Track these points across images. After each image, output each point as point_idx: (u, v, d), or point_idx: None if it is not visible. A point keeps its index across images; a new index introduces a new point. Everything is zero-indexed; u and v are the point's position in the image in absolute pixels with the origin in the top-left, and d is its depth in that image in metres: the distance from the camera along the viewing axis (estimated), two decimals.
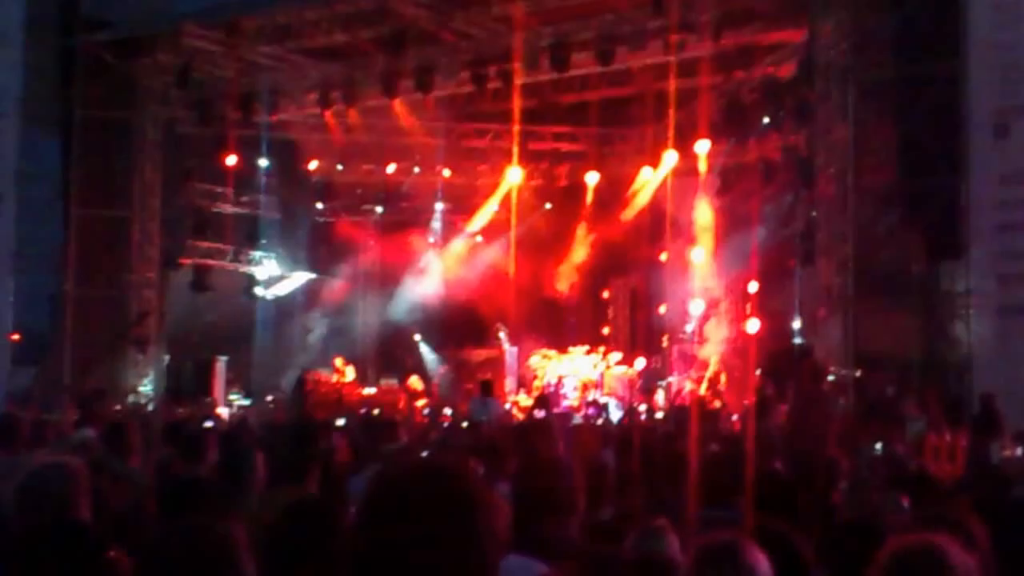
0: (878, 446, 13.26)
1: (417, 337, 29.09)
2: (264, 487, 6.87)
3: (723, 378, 24.06)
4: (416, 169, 29.05)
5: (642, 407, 22.98)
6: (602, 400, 24.25)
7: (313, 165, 28.99)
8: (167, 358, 26.02)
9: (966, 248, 18.65)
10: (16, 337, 23.48)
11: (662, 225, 26.32)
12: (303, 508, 4.88)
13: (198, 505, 5.83)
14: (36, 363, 24.26)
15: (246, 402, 25.83)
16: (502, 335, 27.40)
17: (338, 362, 26.32)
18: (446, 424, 19.08)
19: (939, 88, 18.89)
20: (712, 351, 24.84)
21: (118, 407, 21.42)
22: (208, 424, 16.85)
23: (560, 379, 25.53)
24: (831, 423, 13.81)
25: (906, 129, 19.65)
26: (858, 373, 19.27)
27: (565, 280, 28.92)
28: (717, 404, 22.23)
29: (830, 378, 17.75)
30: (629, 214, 27.71)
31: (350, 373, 26.23)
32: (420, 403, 24.89)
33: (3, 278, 23.03)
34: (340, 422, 17.20)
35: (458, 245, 29.68)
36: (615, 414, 23.12)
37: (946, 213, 19.03)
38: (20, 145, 23.45)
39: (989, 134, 18.37)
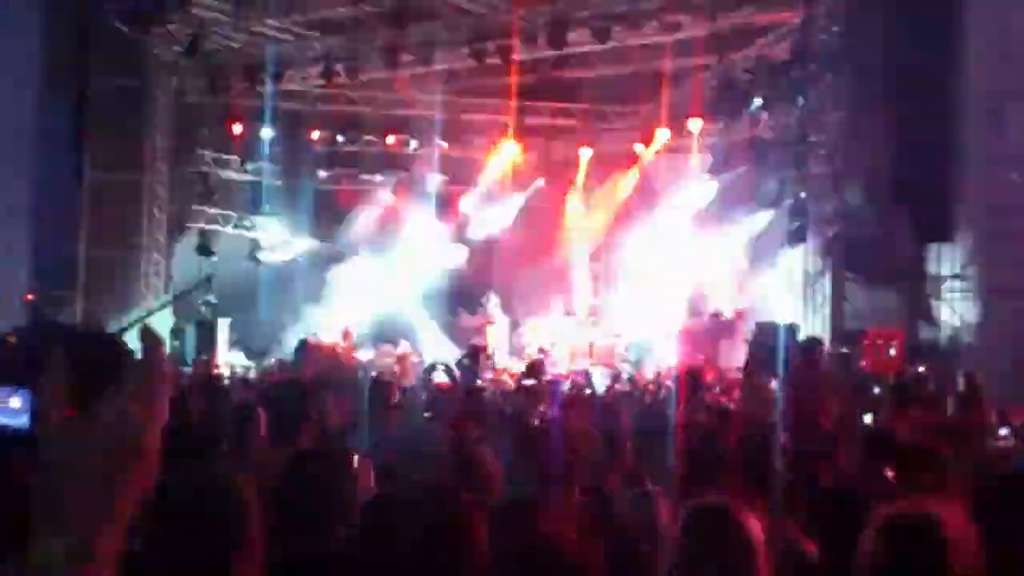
0: (868, 419, 12.84)
1: (414, 304, 28.57)
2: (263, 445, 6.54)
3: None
4: (414, 142, 28.64)
5: (627, 376, 22.41)
6: (589, 369, 23.55)
7: (316, 135, 28.51)
8: (172, 320, 25.48)
9: (955, 230, 18.24)
10: (30, 298, 23.01)
11: (653, 201, 26.18)
12: (309, 458, 4.69)
13: (199, 459, 5.66)
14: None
15: (249, 364, 25.32)
16: (492, 303, 26.85)
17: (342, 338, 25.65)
18: (441, 388, 18.51)
19: (933, 72, 18.20)
20: (698, 326, 24.18)
21: None
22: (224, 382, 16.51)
23: (549, 347, 24.89)
24: (825, 400, 13.29)
25: (898, 112, 18.98)
26: (844, 350, 18.78)
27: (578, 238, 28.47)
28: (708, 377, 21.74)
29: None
30: (621, 190, 27.39)
31: (352, 339, 25.64)
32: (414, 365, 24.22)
33: (19, 240, 22.72)
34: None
35: (454, 215, 29.17)
36: (601, 384, 22.57)
37: (936, 196, 18.52)
38: (38, 110, 23.06)
39: (982, 118, 17.87)
